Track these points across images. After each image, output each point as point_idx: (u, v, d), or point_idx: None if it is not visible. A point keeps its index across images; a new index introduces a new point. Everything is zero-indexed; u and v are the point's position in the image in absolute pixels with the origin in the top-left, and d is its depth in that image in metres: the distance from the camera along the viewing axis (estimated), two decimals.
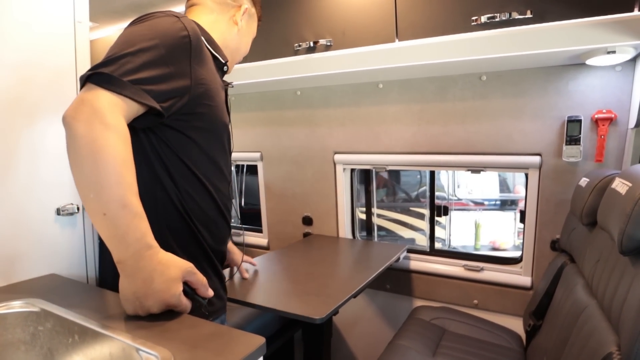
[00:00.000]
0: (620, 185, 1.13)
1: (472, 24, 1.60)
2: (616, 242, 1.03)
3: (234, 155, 2.92)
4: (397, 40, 1.77)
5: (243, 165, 3.55)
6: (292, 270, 1.84)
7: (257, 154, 2.76)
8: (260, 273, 1.76)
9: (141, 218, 0.78)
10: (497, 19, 1.55)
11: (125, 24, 2.63)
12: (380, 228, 4.77)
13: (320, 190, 2.55)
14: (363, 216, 2.70)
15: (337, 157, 2.44)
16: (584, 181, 1.58)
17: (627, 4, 1.38)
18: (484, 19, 1.57)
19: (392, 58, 1.80)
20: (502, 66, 1.85)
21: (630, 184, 1.07)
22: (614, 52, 1.51)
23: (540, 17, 1.50)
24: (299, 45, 2.01)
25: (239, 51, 1.20)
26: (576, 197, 1.61)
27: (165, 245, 0.85)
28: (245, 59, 2.20)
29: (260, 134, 2.72)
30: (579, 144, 1.81)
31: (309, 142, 2.53)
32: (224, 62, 1.08)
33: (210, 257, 1.02)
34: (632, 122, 1.66)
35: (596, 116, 1.76)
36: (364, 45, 1.85)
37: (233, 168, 3.47)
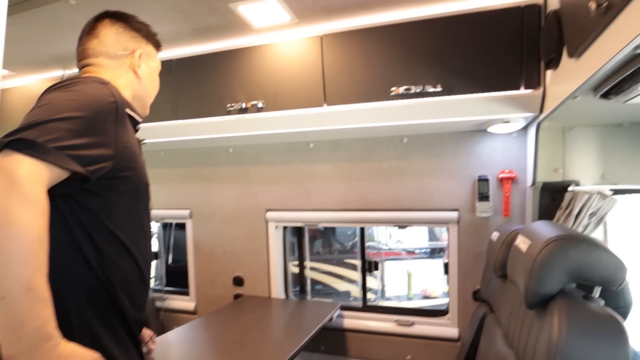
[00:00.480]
0: (522, 243, 1.26)
1: (392, 94, 1.77)
2: (523, 296, 1.13)
3: (161, 213, 2.78)
4: (325, 105, 1.89)
5: (171, 223, 3.38)
6: (220, 339, 1.74)
7: (186, 212, 2.66)
8: (185, 344, 1.63)
9: (45, 304, 0.70)
10: (412, 91, 1.73)
11: (45, 74, 2.54)
12: (315, 282, 4.73)
13: (252, 249, 2.50)
14: (297, 270, 2.67)
15: (270, 214, 2.44)
16: (495, 235, 1.73)
17: (515, 84, 1.62)
18: (401, 90, 1.75)
19: (320, 121, 1.91)
20: (420, 130, 2.04)
21: (529, 242, 1.19)
22: (508, 121, 1.76)
23: (448, 90, 1.70)
24: (232, 106, 2.05)
25: (148, 94, 1.17)
26: (490, 250, 1.75)
27: (83, 319, 0.79)
28: (177, 117, 2.24)
29: (191, 190, 2.64)
30: (489, 201, 2.00)
31: (241, 199, 2.51)
32: (139, 121, 1.08)
33: (129, 326, 0.95)
34: (529, 181, 1.89)
35: (500, 175, 1.98)
36: (295, 108, 1.94)
37: (160, 225, 3.29)
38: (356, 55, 1.83)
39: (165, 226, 3.41)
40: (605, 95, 1.19)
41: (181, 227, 3.16)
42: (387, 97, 1.78)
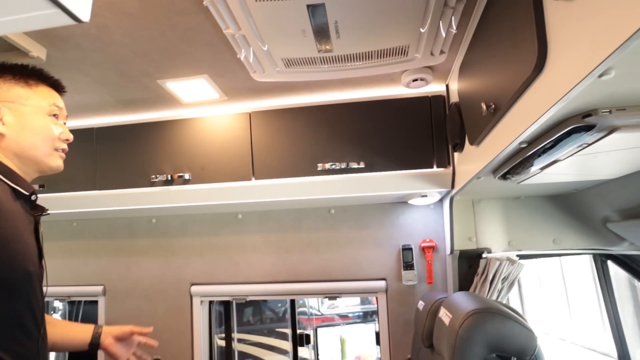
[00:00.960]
0: (444, 315, 1.31)
1: (318, 169, 1.84)
2: None
3: (68, 290, 2.46)
4: (253, 179, 1.90)
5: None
6: None
7: (99, 288, 2.40)
8: None
9: None
10: (337, 167, 1.82)
11: None
12: (244, 354, 4.41)
13: (174, 327, 2.29)
14: (224, 343, 2.47)
15: (194, 288, 2.29)
16: (420, 304, 1.78)
17: (429, 163, 1.79)
18: (327, 165, 1.83)
19: (249, 194, 1.90)
20: (346, 202, 2.12)
21: (451, 315, 1.24)
22: (426, 195, 1.90)
23: (370, 167, 1.82)
24: (156, 177, 1.98)
25: (33, 145, 0.95)
26: (417, 319, 1.79)
27: None
28: (95, 187, 2.10)
29: (106, 264, 2.41)
30: (414, 269, 2.08)
31: (164, 273, 2.33)
32: (27, 193, 0.93)
33: None
34: (448, 249, 2.01)
35: (422, 244, 2.10)
36: (223, 181, 1.92)
37: (65, 304, 2.91)
38: (284, 132, 1.91)
39: (74, 303, 3.03)
40: (503, 177, 1.35)
41: (93, 303, 2.82)
42: (314, 172, 1.85)
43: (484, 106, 1.09)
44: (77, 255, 2.43)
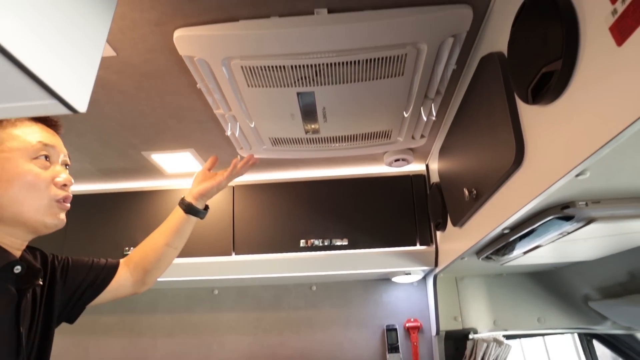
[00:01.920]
0: None
1: (301, 245, 1.81)
2: None
3: None
4: (233, 254, 1.85)
5: None
6: None
7: None
8: None
9: None
10: (320, 243, 1.80)
11: None
12: None
13: None
14: None
15: None
16: None
17: (412, 240, 1.79)
18: (310, 242, 1.81)
19: (228, 270, 1.83)
20: (328, 279, 2.06)
21: None
22: (409, 273, 1.87)
23: (354, 244, 1.80)
24: (129, 249, 1.89)
25: (16, 201, 0.75)
26: None
27: None
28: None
29: (58, 346, 2.18)
30: (399, 352, 1.98)
31: (127, 356, 2.13)
32: (13, 262, 0.74)
33: None
34: (434, 330, 1.94)
35: (407, 325, 2.02)
36: (202, 256, 1.85)
37: None
38: (267, 206, 1.90)
39: None
40: (486, 258, 1.35)
41: None
42: (297, 248, 1.82)
43: (466, 192, 1.12)
44: None
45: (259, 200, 1.91)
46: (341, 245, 1.80)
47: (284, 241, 1.83)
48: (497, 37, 0.95)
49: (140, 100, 1.34)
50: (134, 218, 1.96)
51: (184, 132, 1.55)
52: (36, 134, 0.79)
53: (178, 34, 0.98)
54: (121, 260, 1.12)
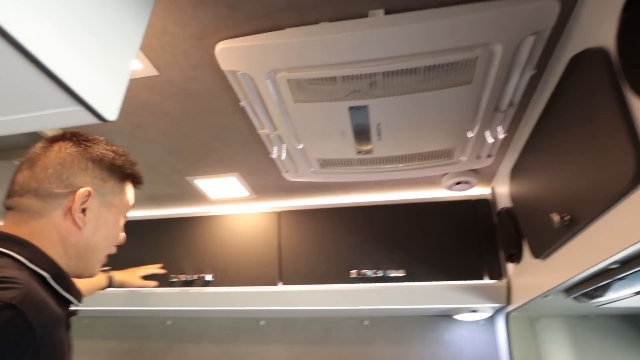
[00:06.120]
0: None
1: (351, 276, 1.65)
2: None
3: None
4: (280, 284, 1.72)
5: None
6: None
7: None
8: None
9: None
10: (373, 275, 1.63)
11: None
12: None
13: None
14: None
15: None
16: None
17: (478, 274, 1.57)
18: (362, 272, 1.64)
19: (274, 301, 1.71)
20: (382, 313, 1.87)
21: None
22: (476, 311, 1.64)
23: (411, 276, 1.61)
24: (175, 277, 1.84)
25: (98, 248, 0.80)
26: None
27: None
28: (108, 285, 1.96)
29: None
30: None
31: None
32: (78, 302, 0.78)
33: None
34: None
35: None
36: (246, 285, 1.75)
37: None
38: (315, 234, 1.77)
39: None
40: (579, 297, 1.13)
41: None
42: (346, 279, 1.66)
43: (555, 217, 0.93)
44: (86, 358, 2.21)
45: (307, 227, 1.79)
46: (397, 277, 1.62)
47: (333, 271, 1.68)
48: (595, 31, 0.78)
49: (183, 122, 1.28)
50: (179, 245, 1.91)
51: (228, 154, 1.48)
52: (132, 194, 0.89)
53: (220, 46, 0.91)
54: None
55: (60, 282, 0.71)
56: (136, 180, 0.89)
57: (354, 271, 1.65)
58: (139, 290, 1.87)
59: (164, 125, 1.30)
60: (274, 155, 1.31)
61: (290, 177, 1.46)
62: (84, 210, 0.75)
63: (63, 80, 0.42)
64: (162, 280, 1.86)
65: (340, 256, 1.70)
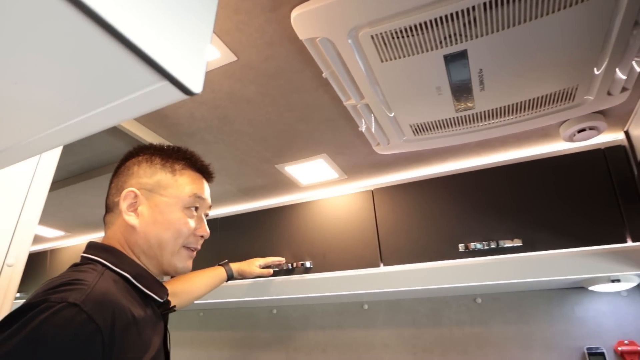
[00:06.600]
0: None
1: (460, 250, 1.50)
2: None
3: None
4: (382, 265, 1.64)
5: None
6: None
7: None
8: None
9: None
10: (485, 247, 1.46)
11: (95, 235, 2.57)
12: None
13: None
14: None
15: None
16: None
17: (618, 236, 1.32)
18: (471, 246, 1.49)
19: (376, 283, 1.63)
20: (496, 289, 1.69)
21: None
22: (618, 280, 1.39)
23: (530, 245, 1.42)
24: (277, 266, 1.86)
25: (161, 242, 0.81)
26: None
27: None
28: None
29: (227, 358, 2.29)
30: None
31: None
32: (162, 300, 0.83)
33: None
34: None
35: (620, 348, 1.51)
36: (346, 269, 1.70)
37: None
38: (413, 209, 1.65)
39: None
40: None
41: None
42: (455, 254, 1.52)
43: None
44: (203, 347, 2.38)
45: (403, 203, 1.68)
46: (513, 247, 1.44)
47: (438, 247, 1.55)
48: None
49: (266, 107, 1.26)
50: (276, 234, 1.93)
51: (314, 135, 1.43)
52: (193, 185, 0.87)
53: (295, 13, 0.84)
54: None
55: (141, 281, 0.78)
56: (195, 169, 0.89)
57: (461, 245, 1.50)
58: (244, 282, 1.94)
59: (248, 113, 1.29)
60: (363, 128, 1.22)
61: (382, 150, 1.36)
62: (135, 211, 0.81)
63: (147, 54, 0.38)
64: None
65: (444, 230, 1.56)
